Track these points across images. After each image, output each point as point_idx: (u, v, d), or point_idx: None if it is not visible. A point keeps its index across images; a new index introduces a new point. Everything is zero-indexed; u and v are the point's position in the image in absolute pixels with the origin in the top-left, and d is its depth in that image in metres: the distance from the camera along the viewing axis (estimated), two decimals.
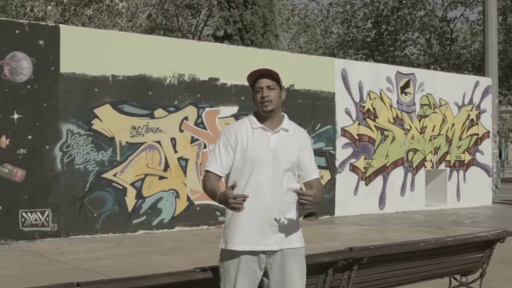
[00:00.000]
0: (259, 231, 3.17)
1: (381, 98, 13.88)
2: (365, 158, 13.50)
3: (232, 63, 11.50)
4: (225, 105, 11.38)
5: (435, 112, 14.93)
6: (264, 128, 3.24)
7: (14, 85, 9.28)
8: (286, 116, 3.34)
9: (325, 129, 12.71)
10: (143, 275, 3.32)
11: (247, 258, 3.18)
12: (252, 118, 3.30)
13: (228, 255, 3.22)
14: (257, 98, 3.25)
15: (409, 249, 4.48)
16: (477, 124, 15.90)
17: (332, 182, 12.86)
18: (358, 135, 13.41)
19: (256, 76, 3.27)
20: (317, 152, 12.55)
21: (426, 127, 14.71)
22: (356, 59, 31.59)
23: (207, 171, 3.27)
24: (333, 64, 13.30)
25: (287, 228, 3.21)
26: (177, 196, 10.74)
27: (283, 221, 3.19)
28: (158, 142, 10.59)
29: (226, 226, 3.29)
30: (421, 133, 14.61)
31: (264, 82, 3.24)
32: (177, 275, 3.30)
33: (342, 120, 13.13)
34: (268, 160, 3.19)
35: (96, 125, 10.00)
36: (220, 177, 3.27)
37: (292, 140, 3.27)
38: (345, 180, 13.09)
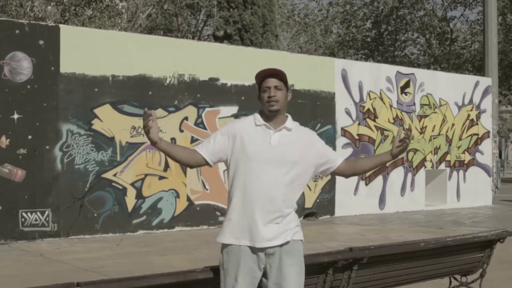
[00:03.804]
0: (259, 227, 3.17)
1: (381, 98, 13.88)
2: None
3: (232, 63, 11.50)
4: (225, 105, 11.38)
5: (435, 112, 14.93)
6: (267, 126, 3.26)
7: (14, 85, 9.29)
8: (290, 117, 3.35)
9: (325, 129, 12.71)
10: (143, 275, 3.32)
11: (247, 257, 3.18)
12: (256, 115, 3.31)
13: (228, 249, 3.23)
14: (263, 98, 3.26)
15: (409, 249, 4.48)
16: (477, 124, 15.90)
17: (332, 182, 12.86)
18: (358, 135, 13.42)
19: (264, 76, 3.28)
20: None
21: (426, 127, 14.71)
22: (356, 59, 31.61)
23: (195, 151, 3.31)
24: (333, 64, 13.30)
25: (285, 225, 3.22)
26: (177, 196, 10.75)
27: (280, 219, 3.20)
28: None
29: (226, 218, 3.29)
30: (421, 133, 14.61)
31: (272, 82, 3.25)
32: (177, 275, 3.30)
33: (342, 120, 13.13)
34: (268, 158, 3.19)
35: (96, 125, 10.01)
36: (204, 160, 3.27)
37: (294, 139, 3.28)
38: (345, 180, 13.06)
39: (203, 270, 3.37)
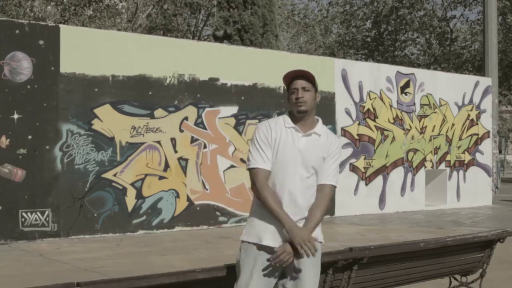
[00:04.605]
0: (280, 228, 3.19)
1: (381, 98, 13.88)
2: (365, 158, 13.50)
3: (232, 63, 11.50)
4: (225, 105, 11.38)
5: (435, 112, 14.93)
6: (296, 129, 3.29)
7: (14, 85, 9.28)
8: (320, 121, 3.39)
9: None
10: (143, 275, 3.32)
11: (265, 256, 3.19)
12: (286, 117, 3.34)
13: (247, 247, 3.24)
14: (292, 99, 3.30)
15: (409, 249, 4.48)
16: (477, 124, 15.90)
17: None
18: (358, 135, 13.42)
19: (292, 77, 3.32)
20: None
21: (426, 127, 14.71)
22: (356, 59, 31.60)
23: (255, 169, 3.22)
24: (333, 64, 13.30)
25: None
26: (177, 196, 10.74)
27: (302, 221, 3.23)
28: (158, 142, 10.59)
29: (250, 218, 3.31)
30: (421, 133, 14.61)
31: (300, 83, 3.30)
32: (177, 275, 3.31)
33: (342, 120, 13.13)
34: (296, 161, 3.23)
35: (96, 125, 10.00)
36: (269, 171, 3.24)
37: (322, 145, 3.31)
38: (345, 180, 13.08)
39: (203, 270, 3.37)
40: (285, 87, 3.37)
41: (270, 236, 3.19)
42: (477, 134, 15.91)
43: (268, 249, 3.19)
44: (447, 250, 4.76)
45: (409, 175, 14.32)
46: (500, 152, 24.55)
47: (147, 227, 10.40)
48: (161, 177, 10.59)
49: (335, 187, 3.36)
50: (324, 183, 3.31)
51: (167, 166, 10.66)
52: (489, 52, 18.80)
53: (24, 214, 9.27)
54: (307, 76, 3.31)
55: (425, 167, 14.67)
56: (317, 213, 3.23)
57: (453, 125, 15.32)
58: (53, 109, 9.61)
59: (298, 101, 3.26)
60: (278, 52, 14.04)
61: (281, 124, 3.30)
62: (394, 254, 4.34)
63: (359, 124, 13.43)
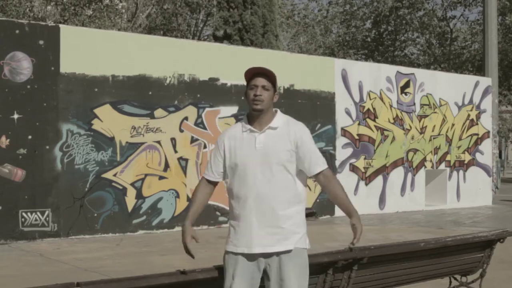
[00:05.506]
0: (255, 233, 3.17)
1: (381, 98, 13.88)
2: (365, 158, 13.50)
3: (232, 63, 11.50)
4: (225, 105, 11.38)
5: (435, 112, 14.93)
6: (251, 130, 3.25)
7: (14, 85, 9.28)
8: (278, 112, 3.31)
9: (325, 129, 12.71)
10: (143, 275, 3.32)
11: (244, 260, 3.20)
12: (243, 121, 3.33)
13: (227, 255, 3.27)
14: (249, 95, 3.28)
15: (409, 249, 4.48)
16: (477, 124, 15.90)
17: None
18: (358, 135, 13.41)
19: (253, 73, 3.28)
20: None
21: (426, 127, 14.71)
22: (356, 59, 31.59)
23: (202, 178, 3.43)
24: (333, 64, 13.30)
25: (284, 229, 3.18)
26: (177, 196, 10.75)
27: (279, 222, 3.18)
28: (158, 142, 10.59)
29: (228, 225, 3.35)
30: (421, 133, 14.61)
31: (260, 81, 3.26)
32: (177, 275, 3.30)
33: (342, 120, 13.12)
34: (257, 161, 3.19)
35: (96, 125, 10.01)
36: (212, 182, 3.36)
37: (281, 136, 3.23)
38: (345, 180, 13.06)
39: (203, 270, 3.37)
40: (246, 82, 3.33)
41: (243, 243, 3.18)
42: (477, 134, 15.91)
43: (245, 255, 3.19)
44: (447, 250, 4.75)
45: (409, 175, 14.32)
46: (500, 156, 24.54)
47: (147, 227, 10.40)
48: (161, 177, 10.59)
49: (328, 169, 3.34)
50: (317, 172, 3.26)
51: (167, 166, 10.66)
52: (489, 52, 18.80)
53: (24, 214, 9.26)
54: (269, 75, 3.26)
55: (425, 167, 14.67)
56: (343, 196, 3.34)
57: (453, 125, 15.32)
58: (53, 109, 9.61)
59: (255, 98, 3.23)
60: (278, 52, 14.04)
61: (237, 129, 3.31)
62: (394, 254, 4.34)
63: (359, 124, 13.43)
